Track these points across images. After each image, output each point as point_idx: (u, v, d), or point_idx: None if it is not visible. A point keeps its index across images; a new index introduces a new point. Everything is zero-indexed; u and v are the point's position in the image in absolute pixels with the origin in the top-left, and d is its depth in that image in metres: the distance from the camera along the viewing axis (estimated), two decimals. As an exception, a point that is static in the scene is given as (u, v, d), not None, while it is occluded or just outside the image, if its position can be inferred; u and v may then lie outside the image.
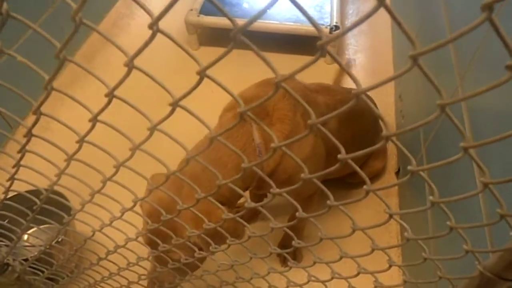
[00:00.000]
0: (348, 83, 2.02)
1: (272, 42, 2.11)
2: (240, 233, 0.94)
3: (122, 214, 0.62)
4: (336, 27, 2.01)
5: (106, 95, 0.38)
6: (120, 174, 0.52)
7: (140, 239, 0.71)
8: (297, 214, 0.50)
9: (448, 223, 0.44)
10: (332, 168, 0.40)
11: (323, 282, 0.66)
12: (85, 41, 2.07)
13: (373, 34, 2.31)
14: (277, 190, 0.48)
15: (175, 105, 0.37)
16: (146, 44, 0.32)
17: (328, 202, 0.46)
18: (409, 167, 0.38)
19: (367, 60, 2.16)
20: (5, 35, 0.44)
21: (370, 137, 1.37)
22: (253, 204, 0.54)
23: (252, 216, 1.48)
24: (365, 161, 1.48)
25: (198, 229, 0.68)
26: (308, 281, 0.69)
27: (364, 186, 0.43)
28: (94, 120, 0.41)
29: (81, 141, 0.45)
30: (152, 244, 0.78)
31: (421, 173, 0.39)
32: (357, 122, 1.26)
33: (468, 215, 0.82)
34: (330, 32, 2.03)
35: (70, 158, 0.49)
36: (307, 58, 2.33)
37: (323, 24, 2.06)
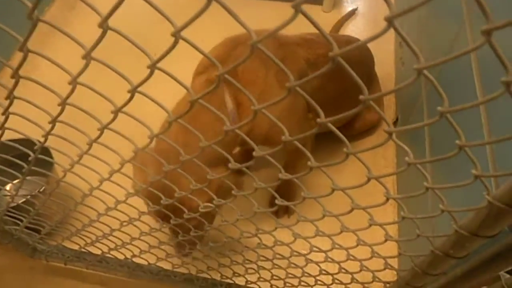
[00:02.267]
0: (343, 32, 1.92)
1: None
2: (239, 186, 0.90)
3: (90, 146, 0.55)
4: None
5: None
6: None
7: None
8: (283, 138, 0.44)
9: (457, 141, 0.38)
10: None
11: (311, 221, 0.61)
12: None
13: (373, -19, 2.18)
14: (261, 153, 0.49)
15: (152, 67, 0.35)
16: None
17: (318, 120, 0.40)
18: (414, 66, 0.32)
19: (367, 8, 2.05)
20: None
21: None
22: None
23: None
24: (358, 114, 1.41)
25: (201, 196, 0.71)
26: (298, 222, 0.64)
27: (360, 96, 0.36)
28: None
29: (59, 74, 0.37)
30: (162, 217, 0.81)
31: (426, 74, 0.33)
32: (345, 76, 1.19)
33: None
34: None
35: (15, 73, 0.41)
36: (308, 7, 2.17)
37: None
